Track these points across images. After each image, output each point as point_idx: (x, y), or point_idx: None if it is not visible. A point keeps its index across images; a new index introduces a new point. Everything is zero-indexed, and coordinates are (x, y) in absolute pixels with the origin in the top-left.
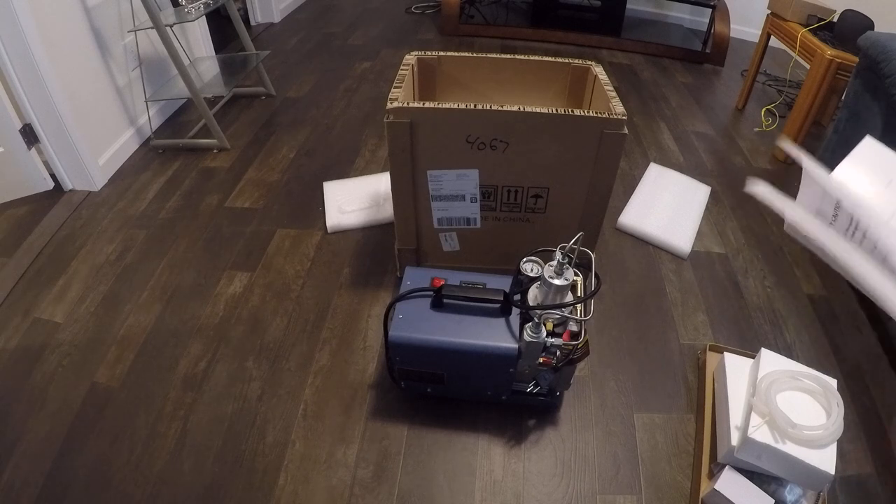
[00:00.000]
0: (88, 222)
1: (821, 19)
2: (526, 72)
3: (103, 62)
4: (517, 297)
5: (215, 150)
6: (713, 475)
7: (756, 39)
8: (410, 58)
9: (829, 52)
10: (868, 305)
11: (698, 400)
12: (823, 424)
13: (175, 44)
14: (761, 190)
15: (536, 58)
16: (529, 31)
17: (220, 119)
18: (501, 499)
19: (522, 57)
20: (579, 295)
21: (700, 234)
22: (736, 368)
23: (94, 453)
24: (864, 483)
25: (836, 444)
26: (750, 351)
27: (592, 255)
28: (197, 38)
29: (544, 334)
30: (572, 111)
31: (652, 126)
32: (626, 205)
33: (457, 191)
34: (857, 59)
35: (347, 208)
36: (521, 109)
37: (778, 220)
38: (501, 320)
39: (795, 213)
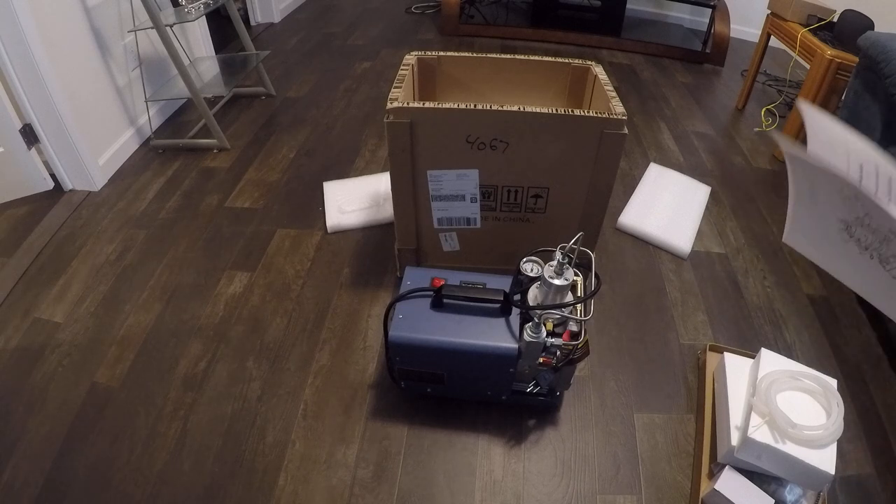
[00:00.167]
0: (88, 222)
1: (821, 19)
2: (526, 72)
3: (103, 62)
4: (517, 297)
5: (215, 150)
6: (713, 475)
7: (756, 39)
8: (410, 58)
9: (829, 52)
10: (868, 305)
11: (698, 400)
12: (823, 424)
13: (175, 44)
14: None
15: (536, 58)
16: (529, 31)
17: (220, 119)
18: (501, 499)
19: (522, 57)
20: (579, 295)
21: (700, 234)
22: (736, 368)
23: (94, 453)
24: (864, 483)
25: (836, 444)
26: (750, 351)
27: (592, 255)
28: (197, 38)
29: (544, 334)
30: (572, 111)
31: (652, 126)
32: (626, 205)
33: (457, 191)
34: (857, 59)
35: (347, 208)
36: (521, 109)
37: (778, 220)
38: (501, 320)
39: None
